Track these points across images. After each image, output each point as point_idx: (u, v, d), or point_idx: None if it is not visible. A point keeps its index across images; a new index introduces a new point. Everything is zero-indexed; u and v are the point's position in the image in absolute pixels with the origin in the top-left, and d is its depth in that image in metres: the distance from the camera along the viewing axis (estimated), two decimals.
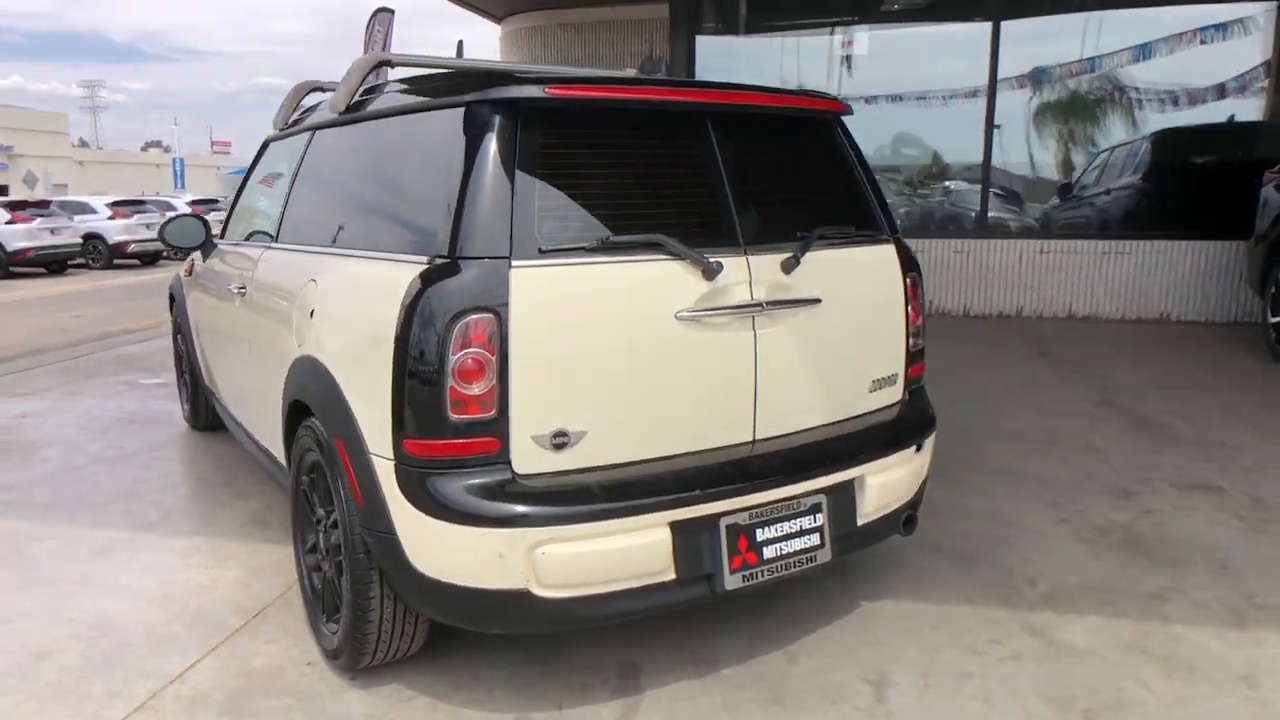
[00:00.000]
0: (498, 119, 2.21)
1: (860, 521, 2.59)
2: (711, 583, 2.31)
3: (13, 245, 16.93)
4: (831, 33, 9.03)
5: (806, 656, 2.62)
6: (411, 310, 2.09)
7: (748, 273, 2.39)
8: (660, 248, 2.26)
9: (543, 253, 2.16)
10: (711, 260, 2.30)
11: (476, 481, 2.11)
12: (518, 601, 2.14)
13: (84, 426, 5.11)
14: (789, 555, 2.42)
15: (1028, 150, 8.83)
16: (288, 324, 2.85)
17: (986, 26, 8.37)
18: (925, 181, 9.24)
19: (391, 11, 11.66)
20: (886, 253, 2.78)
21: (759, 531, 2.38)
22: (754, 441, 2.45)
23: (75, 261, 18.50)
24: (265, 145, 3.98)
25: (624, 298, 2.24)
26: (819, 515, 2.49)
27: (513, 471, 2.14)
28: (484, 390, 2.08)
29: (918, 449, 2.76)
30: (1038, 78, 8.57)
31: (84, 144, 66.86)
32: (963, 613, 2.84)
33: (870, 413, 2.72)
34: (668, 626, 2.72)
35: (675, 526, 2.24)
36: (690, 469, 2.31)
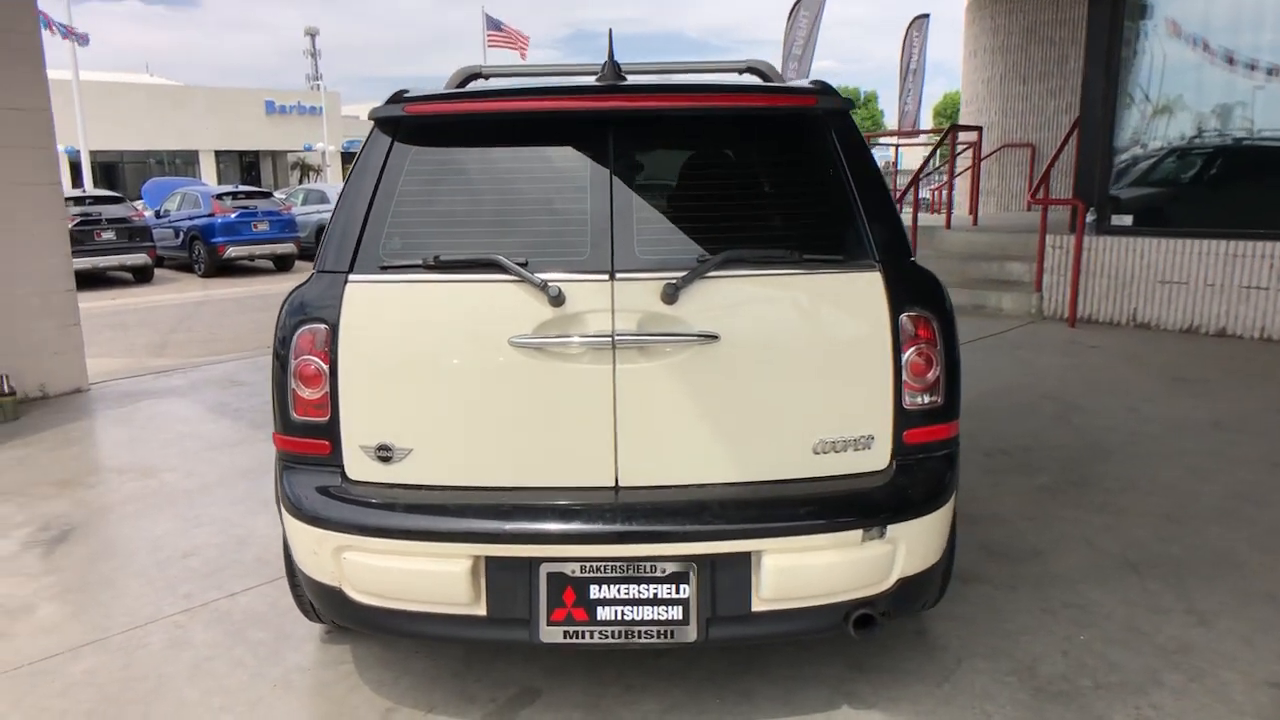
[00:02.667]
0: (375, 136, 2.29)
1: (759, 607, 2.15)
2: (528, 629, 2.14)
3: None
4: None
5: None
6: (279, 316, 2.30)
7: (610, 301, 2.13)
8: (497, 268, 2.14)
9: (383, 269, 2.20)
10: (551, 285, 2.10)
11: (313, 479, 2.25)
12: (338, 597, 2.25)
13: None
14: (635, 623, 2.13)
15: None
16: None
17: None
18: None
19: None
20: (862, 283, 2.21)
21: (594, 588, 2.14)
22: (617, 488, 2.18)
23: None
24: None
25: (457, 319, 2.18)
26: (684, 587, 2.13)
27: (344, 476, 2.24)
28: (318, 396, 2.21)
29: (868, 534, 2.17)
30: None
31: None
32: None
33: (820, 479, 2.21)
34: (609, 664, 2.56)
35: (489, 561, 2.13)
36: (512, 505, 2.16)
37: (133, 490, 4.22)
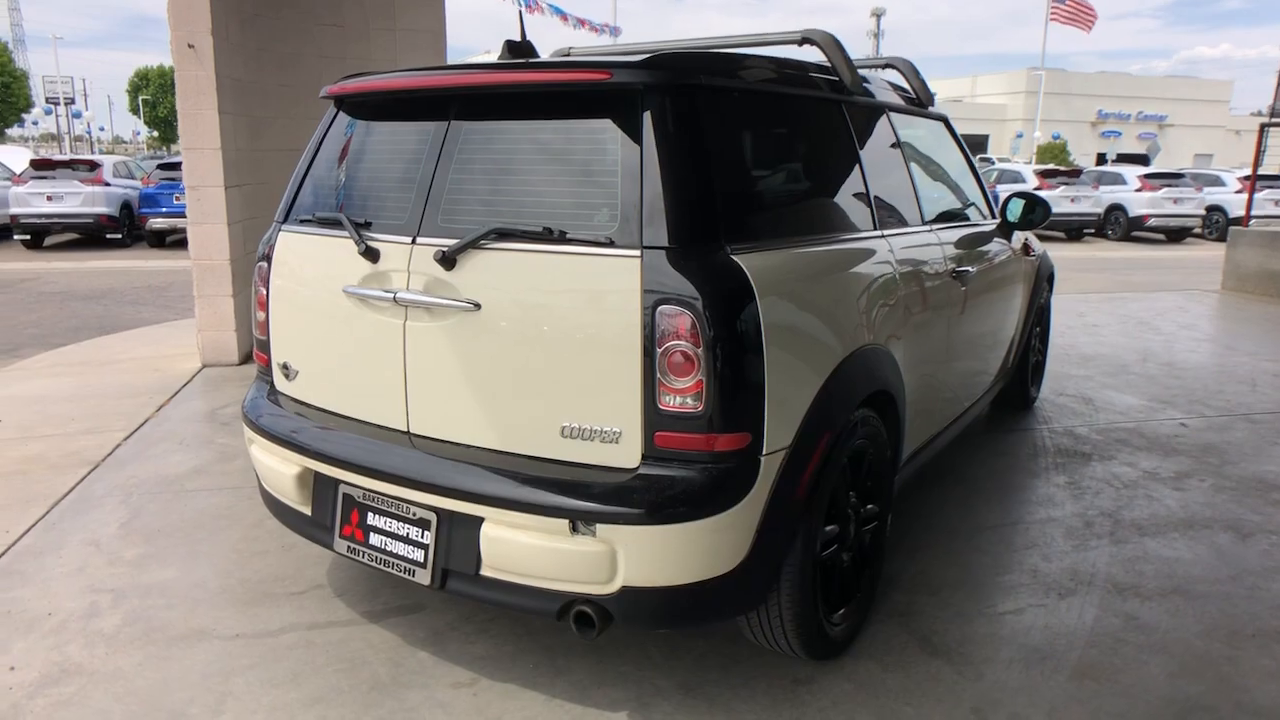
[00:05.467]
0: (327, 113, 2.76)
1: (485, 572, 2.22)
2: (330, 536, 2.50)
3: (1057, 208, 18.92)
4: None
5: None
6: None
7: (408, 262, 2.33)
8: (339, 225, 2.47)
9: (298, 221, 2.68)
10: (363, 243, 2.38)
11: (262, 388, 2.86)
12: (258, 480, 2.84)
13: None
14: (390, 555, 2.36)
15: None
16: None
17: None
18: None
19: None
20: (618, 269, 2.07)
21: (370, 515, 2.40)
22: (410, 434, 2.40)
23: (1089, 232, 19.44)
24: None
25: (320, 266, 2.57)
26: (426, 533, 2.29)
27: (272, 386, 2.80)
28: (261, 318, 2.80)
29: (575, 529, 2.07)
30: None
31: (1260, 114, 63.95)
32: None
33: (565, 463, 2.17)
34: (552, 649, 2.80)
35: (316, 473, 2.53)
36: (334, 430, 2.50)
37: None
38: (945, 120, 3.97)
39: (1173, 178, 19.93)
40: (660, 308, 2.03)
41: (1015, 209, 4.11)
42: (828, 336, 2.39)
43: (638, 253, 2.06)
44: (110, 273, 11.73)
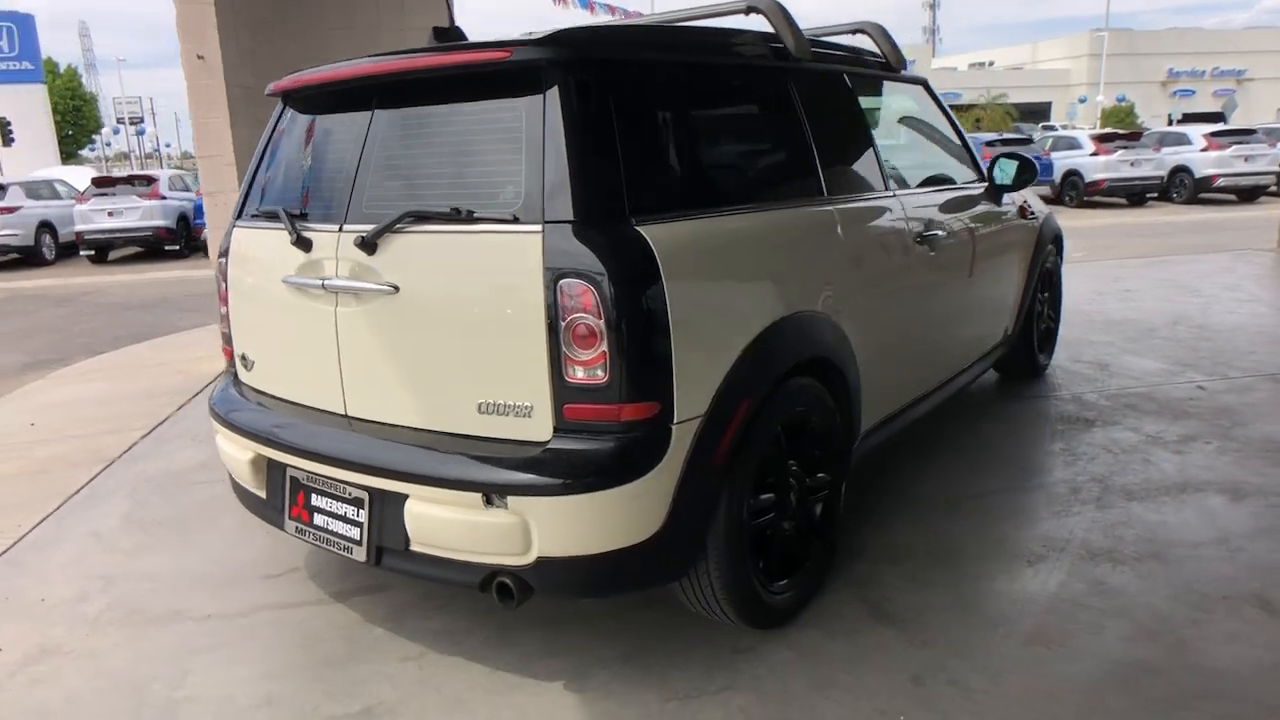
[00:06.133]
0: (275, 108, 2.84)
1: (414, 547, 2.28)
2: (281, 517, 2.59)
3: (1091, 176, 18.33)
4: None
5: None
6: None
7: (336, 250, 2.40)
8: (277, 217, 2.55)
9: (250, 216, 2.78)
10: (295, 233, 2.45)
11: (229, 378, 2.97)
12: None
13: None
14: (331, 534, 2.44)
15: None
16: None
17: None
18: None
19: None
20: (519, 245, 2.10)
21: (314, 496, 2.49)
22: (348, 417, 2.47)
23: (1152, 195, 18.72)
24: None
25: (263, 258, 2.66)
26: (360, 511, 2.36)
27: (235, 378, 2.91)
28: (224, 312, 2.91)
29: (490, 502, 2.11)
30: None
31: None
32: None
33: (484, 439, 2.21)
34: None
35: (269, 459, 2.63)
36: (282, 416, 2.60)
37: None
38: (924, 83, 3.90)
39: (1243, 134, 19.00)
40: (561, 281, 2.06)
41: (1004, 171, 4.00)
42: (745, 305, 2.39)
43: (539, 228, 2.09)
44: (165, 282, 12.22)
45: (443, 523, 2.19)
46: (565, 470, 2.08)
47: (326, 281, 2.39)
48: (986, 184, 4.03)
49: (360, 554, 2.37)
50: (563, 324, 2.07)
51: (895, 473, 3.64)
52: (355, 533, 2.38)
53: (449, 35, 2.63)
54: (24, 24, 35.43)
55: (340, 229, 2.40)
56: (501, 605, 2.20)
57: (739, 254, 2.43)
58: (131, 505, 3.75)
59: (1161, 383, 4.77)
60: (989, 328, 4.13)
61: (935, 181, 3.68)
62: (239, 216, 2.83)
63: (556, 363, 2.09)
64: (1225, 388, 4.64)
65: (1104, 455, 3.77)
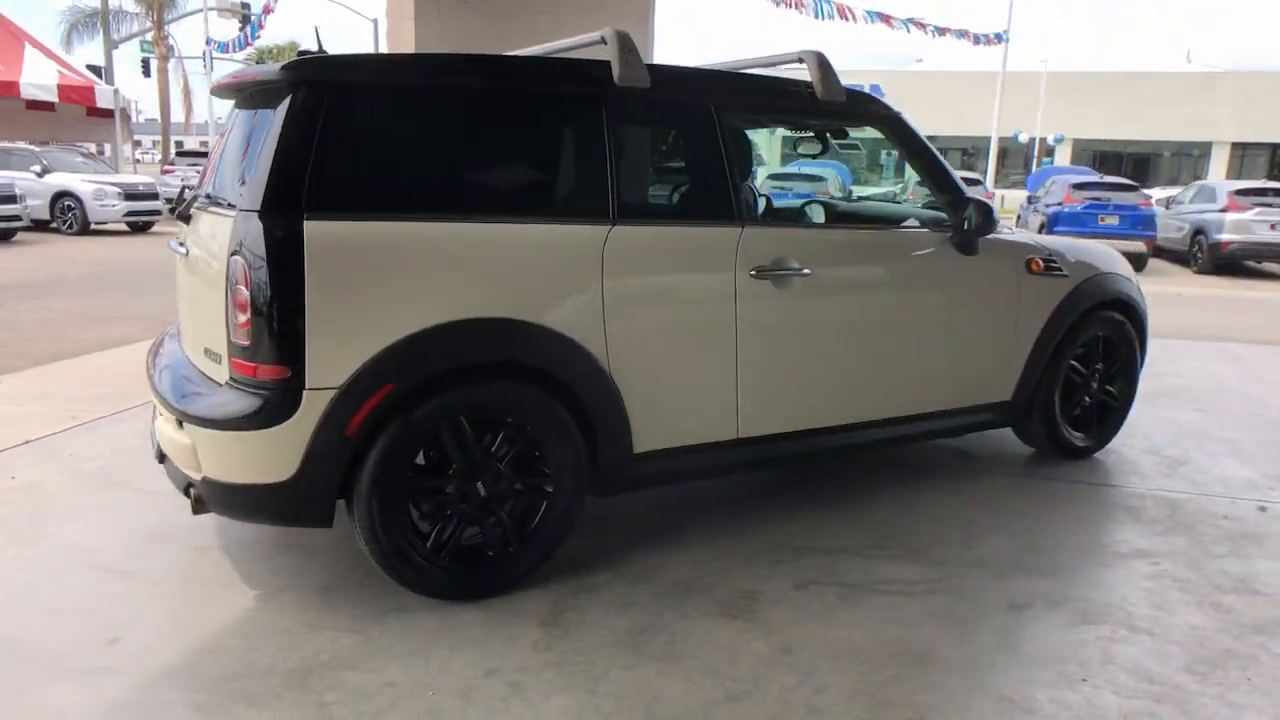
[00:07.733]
0: None
1: (168, 456, 2.90)
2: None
3: (1216, 236, 14.30)
4: None
5: None
6: None
7: (192, 223, 3.11)
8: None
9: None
10: (189, 211, 3.16)
11: None
12: None
13: None
14: (155, 443, 3.13)
15: None
16: None
17: None
18: None
19: None
20: (225, 226, 2.64)
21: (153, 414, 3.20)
22: (186, 357, 3.16)
23: None
24: None
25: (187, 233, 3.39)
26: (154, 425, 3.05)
27: None
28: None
29: (180, 425, 2.67)
30: None
31: None
32: None
33: (207, 378, 2.80)
34: None
35: None
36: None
37: None
38: (882, 118, 3.61)
39: None
40: (232, 256, 2.55)
41: (975, 216, 3.59)
42: (405, 301, 2.61)
43: (234, 214, 2.60)
44: None
45: (165, 437, 2.81)
46: (214, 409, 2.60)
47: (171, 243, 3.14)
48: (952, 229, 3.63)
49: (157, 457, 3.05)
50: (230, 292, 2.56)
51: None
52: (151, 442, 3.07)
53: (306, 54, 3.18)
54: None
55: (202, 208, 3.06)
56: (194, 510, 2.73)
57: (411, 257, 2.63)
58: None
59: (1220, 493, 3.91)
60: (931, 379, 3.73)
61: (847, 217, 3.48)
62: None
63: (228, 323, 2.59)
64: None
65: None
